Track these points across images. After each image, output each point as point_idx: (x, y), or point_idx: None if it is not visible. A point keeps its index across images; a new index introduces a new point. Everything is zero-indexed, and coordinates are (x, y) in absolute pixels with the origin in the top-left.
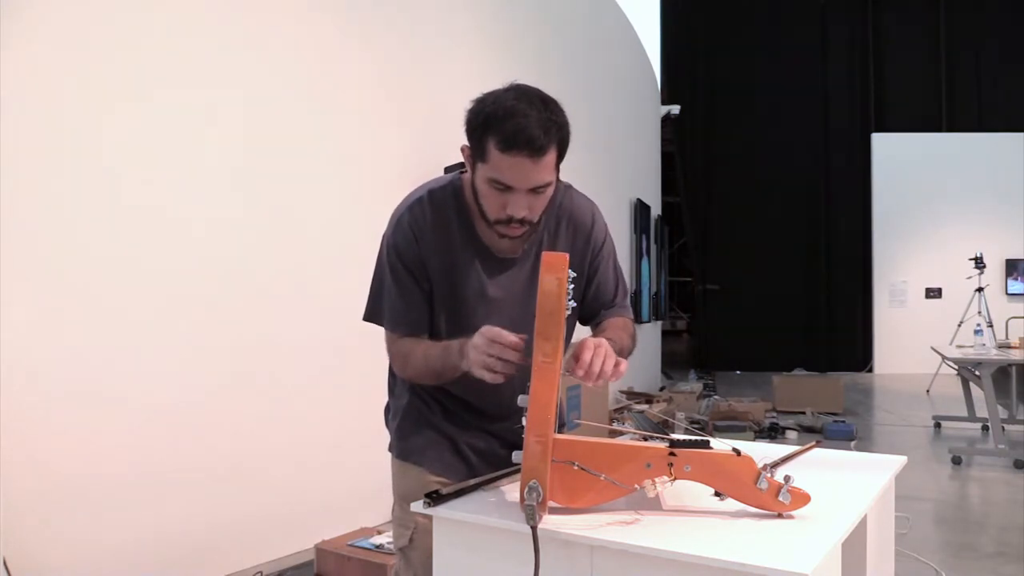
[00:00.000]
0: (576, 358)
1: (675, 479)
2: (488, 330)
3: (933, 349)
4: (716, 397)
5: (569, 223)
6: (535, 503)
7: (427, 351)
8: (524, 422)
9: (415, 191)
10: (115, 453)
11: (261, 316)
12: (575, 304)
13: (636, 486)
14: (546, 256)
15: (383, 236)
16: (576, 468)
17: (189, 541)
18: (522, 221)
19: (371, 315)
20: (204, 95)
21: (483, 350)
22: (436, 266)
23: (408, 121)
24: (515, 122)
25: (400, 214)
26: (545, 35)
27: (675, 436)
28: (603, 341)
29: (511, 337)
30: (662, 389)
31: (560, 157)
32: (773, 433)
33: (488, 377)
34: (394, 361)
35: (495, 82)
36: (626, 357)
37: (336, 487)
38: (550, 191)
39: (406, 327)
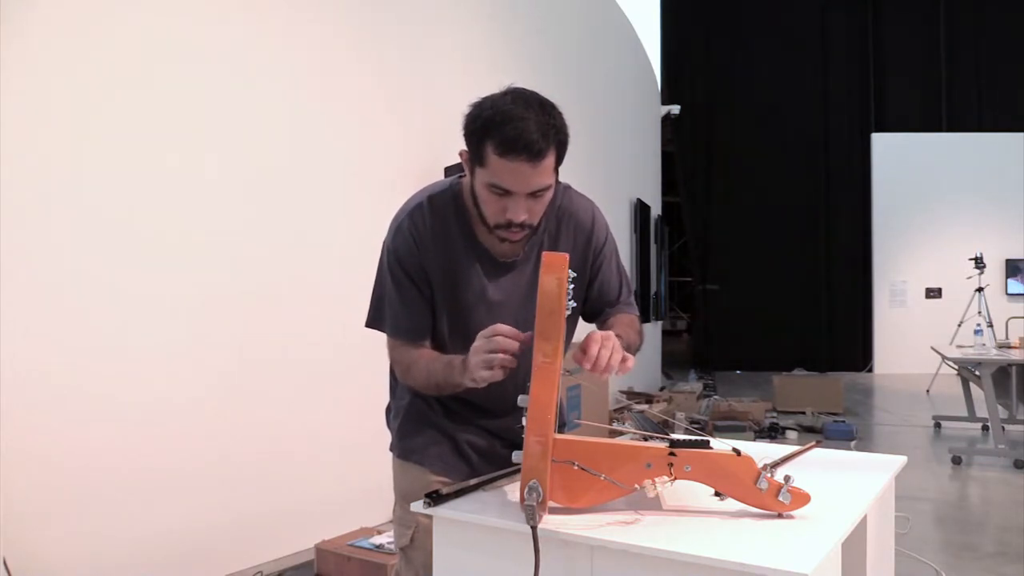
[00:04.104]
0: (583, 350)
1: (675, 479)
2: (485, 330)
3: (933, 349)
4: (716, 397)
5: (569, 223)
6: (535, 503)
7: (430, 365)
8: (524, 422)
9: (415, 196)
10: (115, 453)
11: (261, 316)
12: (575, 304)
13: (636, 486)
14: (546, 256)
15: (383, 242)
16: (576, 468)
17: (189, 541)
18: (522, 225)
19: (373, 322)
20: (203, 98)
21: (482, 348)
22: (437, 271)
23: (407, 122)
24: (513, 126)
25: (400, 220)
26: (545, 35)
27: (675, 436)
28: (611, 334)
29: (507, 328)
30: (662, 389)
31: (559, 160)
32: (773, 433)
33: (488, 376)
34: (396, 368)
35: (494, 83)
36: (634, 353)
37: (336, 487)
38: (549, 195)
39: (408, 333)
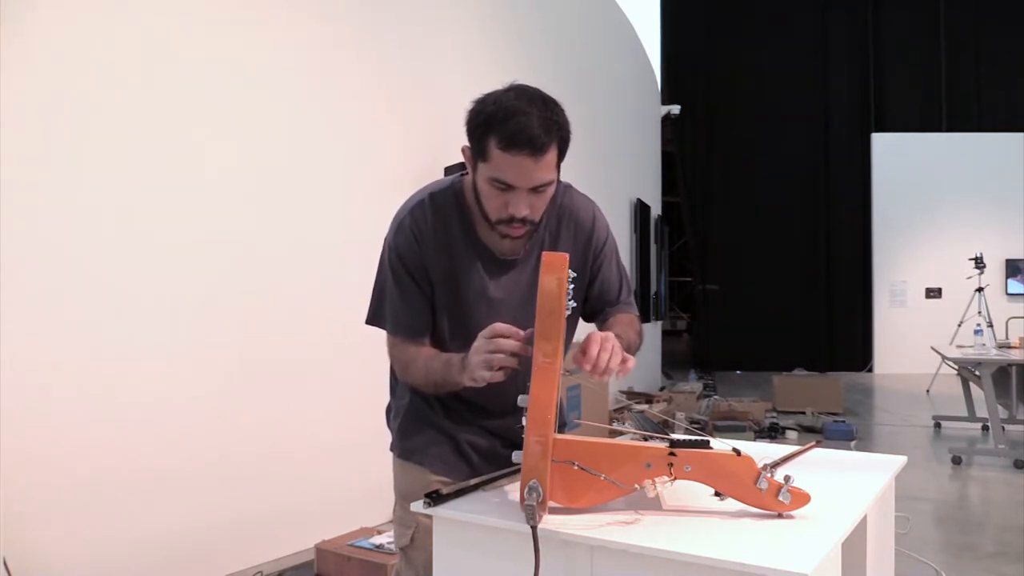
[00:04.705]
0: (583, 352)
1: (675, 479)
2: (485, 330)
3: (933, 349)
4: (716, 397)
5: (570, 223)
6: (535, 503)
7: (429, 363)
8: (524, 422)
9: (416, 194)
10: (115, 453)
11: (261, 317)
12: (575, 304)
13: (636, 486)
14: (546, 256)
15: (385, 240)
16: (576, 468)
17: (189, 541)
18: (523, 220)
19: (373, 318)
20: (202, 98)
21: (483, 348)
22: (438, 269)
23: (408, 121)
24: (516, 121)
25: (402, 217)
26: (545, 35)
27: (675, 436)
28: (610, 335)
29: (507, 328)
30: (662, 389)
31: (561, 156)
32: (773, 433)
33: (488, 376)
34: (395, 365)
35: (494, 82)
36: (633, 353)
37: (336, 487)
38: (551, 190)
39: (408, 331)
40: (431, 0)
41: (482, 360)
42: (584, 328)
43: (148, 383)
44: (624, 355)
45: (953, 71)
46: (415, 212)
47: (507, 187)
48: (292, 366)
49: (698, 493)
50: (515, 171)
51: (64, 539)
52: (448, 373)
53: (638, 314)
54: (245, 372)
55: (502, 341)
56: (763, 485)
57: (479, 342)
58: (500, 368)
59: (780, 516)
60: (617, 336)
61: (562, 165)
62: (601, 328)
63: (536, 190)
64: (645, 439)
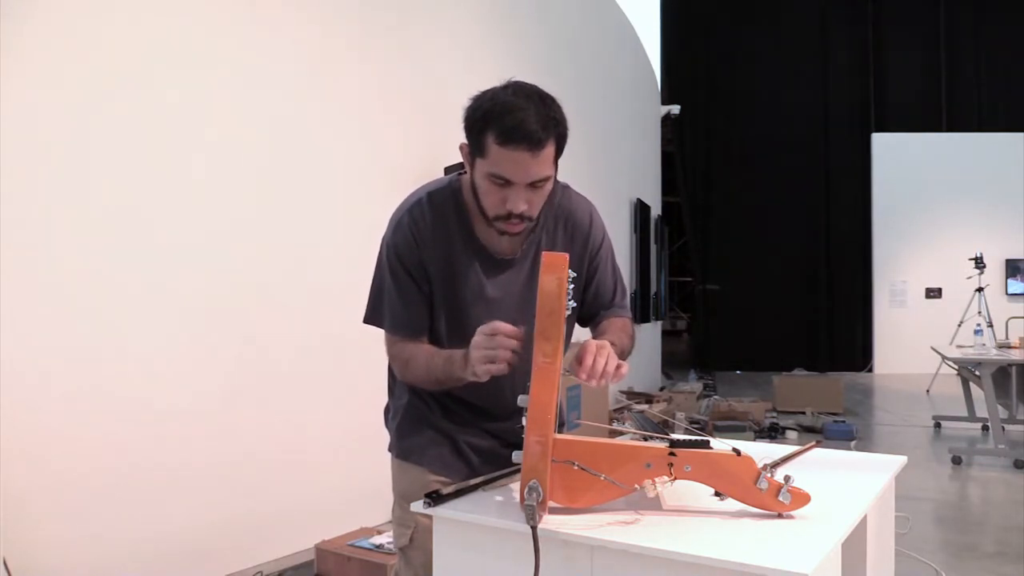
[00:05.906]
0: (579, 360)
1: (675, 479)
2: (485, 326)
3: (933, 349)
4: (716, 397)
5: (567, 223)
6: (535, 503)
7: (430, 360)
8: (524, 422)
9: (414, 193)
10: (115, 453)
11: (260, 316)
12: (575, 304)
13: (636, 486)
14: (546, 256)
15: (383, 239)
16: (576, 468)
17: (189, 541)
18: (521, 216)
19: (371, 318)
20: (202, 97)
21: (483, 345)
22: (435, 268)
23: (407, 121)
24: (513, 116)
25: (400, 216)
26: (545, 35)
27: (675, 436)
28: (605, 343)
29: (508, 327)
30: (662, 389)
31: (558, 152)
32: (773, 433)
33: (493, 369)
34: (394, 364)
35: (494, 82)
36: (626, 358)
37: (336, 487)
38: (549, 186)
39: (406, 329)
40: (431, 0)
41: (483, 355)
42: (579, 333)
43: (148, 383)
44: (618, 361)
45: (953, 71)
46: (413, 211)
47: (505, 183)
48: (292, 366)
49: (698, 493)
50: (513, 166)
51: (64, 539)
52: (450, 369)
53: (631, 317)
54: (245, 372)
55: (502, 338)
56: (763, 485)
57: (478, 338)
58: (502, 361)
59: (780, 516)
60: (611, 344)
61: (562, 165)
62: (595, 333)
63: (534, 185)
64: (645, 439)
